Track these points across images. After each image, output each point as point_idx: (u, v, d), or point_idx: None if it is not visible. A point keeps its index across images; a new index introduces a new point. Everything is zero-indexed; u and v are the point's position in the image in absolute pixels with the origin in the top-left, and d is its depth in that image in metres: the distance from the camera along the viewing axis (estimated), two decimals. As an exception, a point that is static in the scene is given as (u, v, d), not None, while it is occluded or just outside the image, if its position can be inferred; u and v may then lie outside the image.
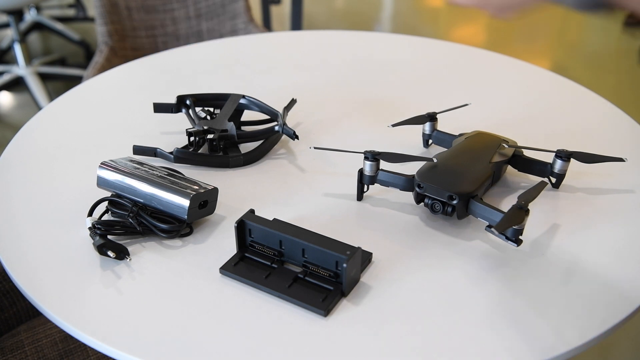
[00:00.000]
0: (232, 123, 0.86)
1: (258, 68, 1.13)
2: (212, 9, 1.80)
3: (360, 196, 0.77)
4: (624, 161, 0.80)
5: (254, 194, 0.78)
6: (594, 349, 1.45)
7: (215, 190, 0.72)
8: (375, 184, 0.76)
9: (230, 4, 1.79)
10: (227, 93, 0.95)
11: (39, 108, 2.44)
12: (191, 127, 0.87)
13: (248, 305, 0.62)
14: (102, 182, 0.74)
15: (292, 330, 0.59)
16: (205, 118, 0.91)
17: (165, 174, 0.74)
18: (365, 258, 0.67)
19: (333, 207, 0.76)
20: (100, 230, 0.68)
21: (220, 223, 0.73)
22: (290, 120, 0.95)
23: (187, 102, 0.92)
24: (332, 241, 0.63)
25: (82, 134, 0.92)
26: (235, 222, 0.66)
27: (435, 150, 0.88)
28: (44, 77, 2.62)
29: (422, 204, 0.75)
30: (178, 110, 0.93)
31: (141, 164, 0.76)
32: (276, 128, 0.86)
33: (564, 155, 0.76)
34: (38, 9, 3.13)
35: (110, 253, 0.66)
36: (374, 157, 0.73)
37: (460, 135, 0.84)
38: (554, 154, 0.77)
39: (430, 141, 0.88)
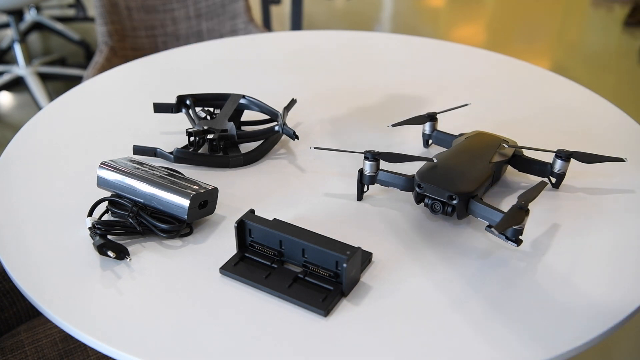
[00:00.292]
0: (232, 123, 0.86)
1: (258, 68, 1.13)
2: (212, 9, 1.80)
3: (360, 196, 0.77)
4: (624, 161, 0.80)
5: (254, 194, 0.78)
6: (594, 349, 1.45)
7: (215, 190, 0.72)
8: (375, 184, 0.76)
9: (230, 4, 1.79)
10: (227, 93, 0.95)
11: (39, 108, 2.44)
12: (191, 127, 0.87)
13: (248, 305, 0.62)
14: (102, 182, 0.74)
15: (292, 330, 0.59)
16: (205, 118, 0.91)
17: (165, 174, 0.74)
18: (365, 258, 0.67)
19: (333, 207, 0.76)
20: (100, 230, 0.68)
21: (220, 223, 0.73)
22: (290, 120, 0.95)
23: (187, 102, 0.92)
24: (332, 241, 0.63)
25: (82, 134, 0.92)
26: (235, 222, 0.66)
27: (435, 150, 0.88)
28: (44, 77, 2.62)
29: (422, 204, 0.75)
30: (178, 110, 0.93)
31: (141, 164, 0.76)
32: (276, 128, 0.86)
33: (564, 155, 0.76)
34: (38, 9, 3.13)
35: (110, 253, 0.66)
36: (374, 157, 0.73)
37: (460, 135, 0.84)
38: (554, 154, 0.77)
39: (430, 141, 0.88)
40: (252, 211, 0.68)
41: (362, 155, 0.86)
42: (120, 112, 0.98)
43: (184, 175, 0.76)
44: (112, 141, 0.90)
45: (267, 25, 2.63)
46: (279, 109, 0.99)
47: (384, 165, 0.84)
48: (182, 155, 0.83)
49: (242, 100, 0.92)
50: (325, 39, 1.25)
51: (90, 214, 0.72)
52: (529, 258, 0.68)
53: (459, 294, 0.63)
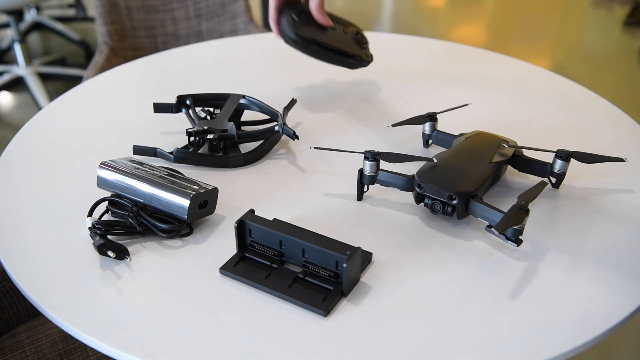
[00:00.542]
0: (232, 123, 0.86)
1: (258, 68, 1.13)
2: (212, 9, 1.80)
3: (360, 196, 0.77)
4: (624, 161, 0.80)
5: (254, 194, 0.78)
6: (594, 349, 1.45)
7: (215, 190, 0.72)
8: (375, 184, 0.76)
9: (230, 4, 1.79)
10: (227, 93, 0.95)
11: (39, 108, 2.44)
12: (191, 127, 0.87)
13: (248, 305, 0.62)
14: (102, 182, 0.74)
15: (292, 330, 0.59)
16: (205, 118, 0.91)
17: (165, 174, 0.74)
18: (365, 258, 0.67)
19: (333, 207, 0.76)
20: (100, 230, 0.68)
21: (220, 223, 0.73)
22: (290, 120, 0.95)
23: (187, 102, 0.92)
24: (332, 241, 0.63)
25: (82, 134, 0.92)
26: (235, 222, 0.66)
27: (435, 150, 0.88)
28: (44, 77, 2.62)
29: (422, 204, 0.75)
30: (178, 110, 0.93)
31: (141, 164, 0.76)
32: (276, 128, 0.86)
33: (564, 155, 0.76)
34: (38, 9, 3.13)
35: (110, 253, 0.66)
36: (374, 157, 0.73)
37: (460, 135, 0.84)
38: (554, 154, 0.77)
39: (430, 141, 0.88)
40: (252, 211, 0.68)
41: (362, 155, 0.86)
42: (120, 112, 0.98)
43: (184, 175, 0.76)
44: (112, 141, 0.90)
45: (267, 25, 2.63)
46: (279, 109, 0.99)
47: (384, 165, 0.84)
48: (182, 155, 0.83)
49: (242, 100, 0.92)
50: (325, 39, 1.25)
51: (90, 214, 0.72)
52: (529, 258, 0.68)
53: (459, 294, 0.63)
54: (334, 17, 0.99)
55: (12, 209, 0.76)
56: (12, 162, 0.85)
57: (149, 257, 0.68)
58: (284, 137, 0.91)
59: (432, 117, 0.85)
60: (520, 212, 0.65)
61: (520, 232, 0.66)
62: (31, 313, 0.97)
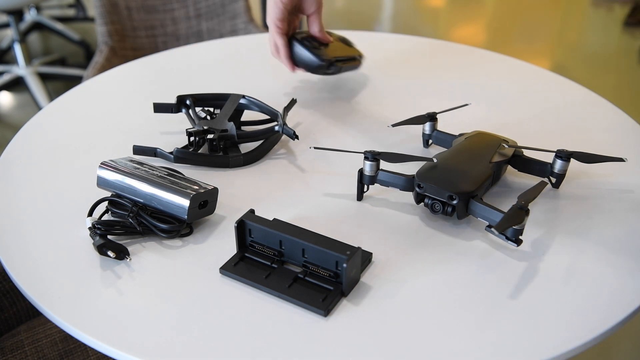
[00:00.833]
0: (232, 123, 0.86)
1: (258, 68, 1.13)
2: (212, 9, 1.80)
3: (360, 196, 0.77)
4: (624, 161, 0.80)
5: (254, 194, 0.78)
6: (594, 349, 1.45)
7: (215, 190, 0.72)
8: (375, 184, 0.76)
9: (230, 4, 1.79)
10: (227, 93, 0.95)
11: (39, 108, 2.44)
12: (191, 127, 0.87)
13: (248, 305, 0.62)
14: (102, 182, 0.74)
15: (292, 330, 0.59)
16: (205, 118, 0.91)
17: (165, 174, 0.74)
18: (365, 258, 0.67)
19: (333, 207, 0.76)
20: (100, 230, 0.68)
21: (220, 223, 0.73)
22: (290, 120, 0.95)
23: (187, 102, 0.92)
24: (332, 241, 0.63)
25: (82, 134, 0.92)
26: (235, 222, 0.66)
27: (435, 150, 0.88)
28: (44, 77, 2.62)
29: (422, 204, 0.75)
30: (178, 110, 0.93)
31: (141, 164, 0.76)
32: (276, 128, 0.86)
33: (564, 155, 0.76)
34: (38, 9, 3.13)
35: (110, 253, 0.66)
36: (374, 157, 0.73)
37: (460, 135, 0.84)
38: (554, 154, 0.77)
39: (430, 141, 0.88)
40: (252, 211, 0.68)
41: (362, 155, 0.86)
42: (120, 112, 0.98)
43: (184, 175, 0.76)
44: (112, 141, 0.90)
45: (267, 26, 2.63)
46: (279, 109, 0.99)
47: (384, 165, 0.84)
48: (182, 155, 0.83)
49: (242, 100, 0.92)
50: (325, 39, 1.25)
51: (90, 214, 0.72)
52: (529, 258, 0.68)
53: (459, 294, 0.63)
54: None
55: (12, 209, 0.76)
56: (12, 162, 0.85)
57: (149, 257, 0.68)
58: (284, 137, 0.91)
59: (432, 117, 0.85)
60: (520, 212, 0.65)
61: (520, 232, 0.66)
62: (31, 313, 0.97)
